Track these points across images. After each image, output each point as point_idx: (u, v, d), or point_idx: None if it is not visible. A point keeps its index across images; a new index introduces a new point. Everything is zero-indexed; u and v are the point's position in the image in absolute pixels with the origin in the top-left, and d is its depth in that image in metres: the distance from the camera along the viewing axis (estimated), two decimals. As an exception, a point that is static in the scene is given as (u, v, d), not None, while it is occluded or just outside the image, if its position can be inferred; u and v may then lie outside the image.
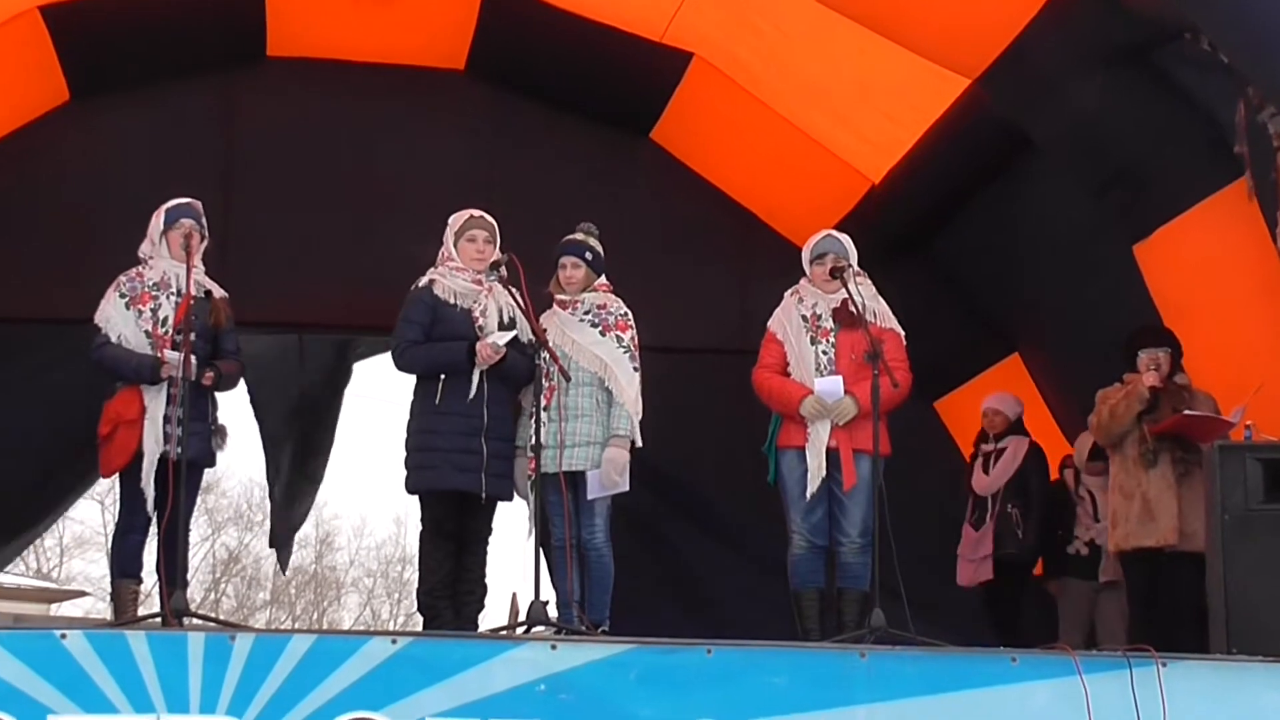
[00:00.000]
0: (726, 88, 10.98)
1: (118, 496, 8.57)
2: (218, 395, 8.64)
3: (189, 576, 9.13)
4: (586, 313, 8.59)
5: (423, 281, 8.52)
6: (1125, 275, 9.64)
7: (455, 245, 8.53)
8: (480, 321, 8.38)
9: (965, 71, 9.76)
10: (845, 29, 9.92)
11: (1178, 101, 9.03)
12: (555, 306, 8.65)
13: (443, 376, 8.31)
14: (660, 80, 11.19)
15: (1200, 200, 9.08)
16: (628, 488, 8.50)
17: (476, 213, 8.58)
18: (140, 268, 8.52)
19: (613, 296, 8.68)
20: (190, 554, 8.70)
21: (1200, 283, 9.35)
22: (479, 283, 8.47)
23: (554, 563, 8.49)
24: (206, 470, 8.77)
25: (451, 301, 8.44)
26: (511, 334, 8.28)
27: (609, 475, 8.39)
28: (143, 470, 8.22)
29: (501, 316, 8.43)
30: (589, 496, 8.42)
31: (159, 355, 8.25)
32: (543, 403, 8.31)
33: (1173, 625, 8.58)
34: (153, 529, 8.38)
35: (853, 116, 10.64)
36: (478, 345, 8.26)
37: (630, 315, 8.64)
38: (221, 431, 8.56)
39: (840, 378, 8.38)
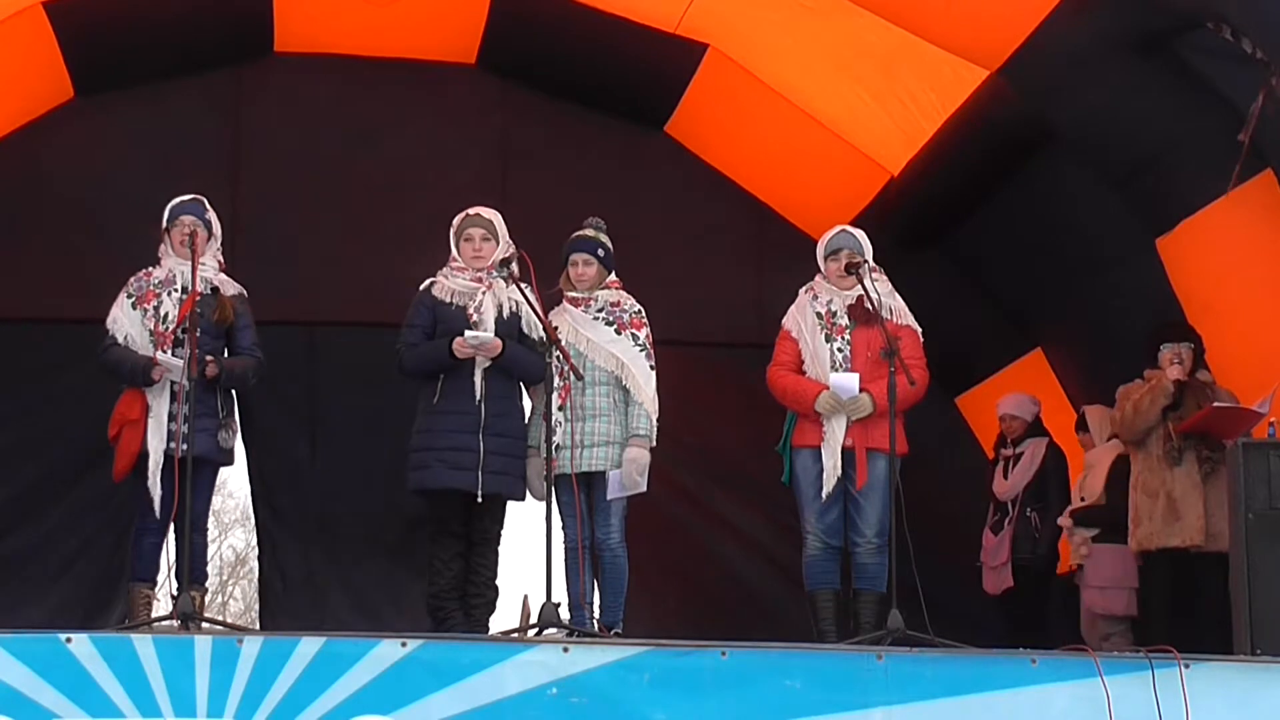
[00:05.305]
0: (742, 79, 10.90)
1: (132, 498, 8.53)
2: (232, 392, 8.57)
3: (209, 576, 9.09)
4: (600, 310, 8.54)
5: (426, 284, 8.51)
6: (1148, 269, 9.58)
7: (455, 245, 8.50)
8: (474, 318, 8.32)
9: (985, 62, 9.68)
10: (862, 19, 9.82)
11: (1200, 92, 8.95)
12: (567, 304, 8.61)
13: (442, 376, 8.27)
14: (675, 73, 11.11)
15: (1224, 193, 8.97)
16: (645, 488, 8.43)
17: (474, 211, 8.54)
18: (152, 267, 8.50)
19: (625, 294, 8.65)
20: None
21: (1224, 277, 9.30)
22: (479, 280, 8.40)
23: (566, 564, 8.40)
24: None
25: (448, 301, 8.42)
26: (487, 335, 8.19)
27: (630, 476, 8.36)
28: (149, 470, 8.16)
29: (502, 313, 8.36)
30: (609, 497, 8.38)
31: (152, 358, 8.18)
32: (557, 402, 8.24)
33: (1198, 626, 8.50)
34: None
35: (872, 104, 10.53)
36: (454, 342, 8.20)
37: (644, 312, 8.61)
38: (230, 425, 8.47)
39: (856, 374, 8.30)
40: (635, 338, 8.51)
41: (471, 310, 8.36)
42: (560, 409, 8.31)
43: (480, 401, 8.25)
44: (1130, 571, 9.71)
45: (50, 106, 10.91)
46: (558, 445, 8.25)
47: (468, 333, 8.23)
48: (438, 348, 8.29)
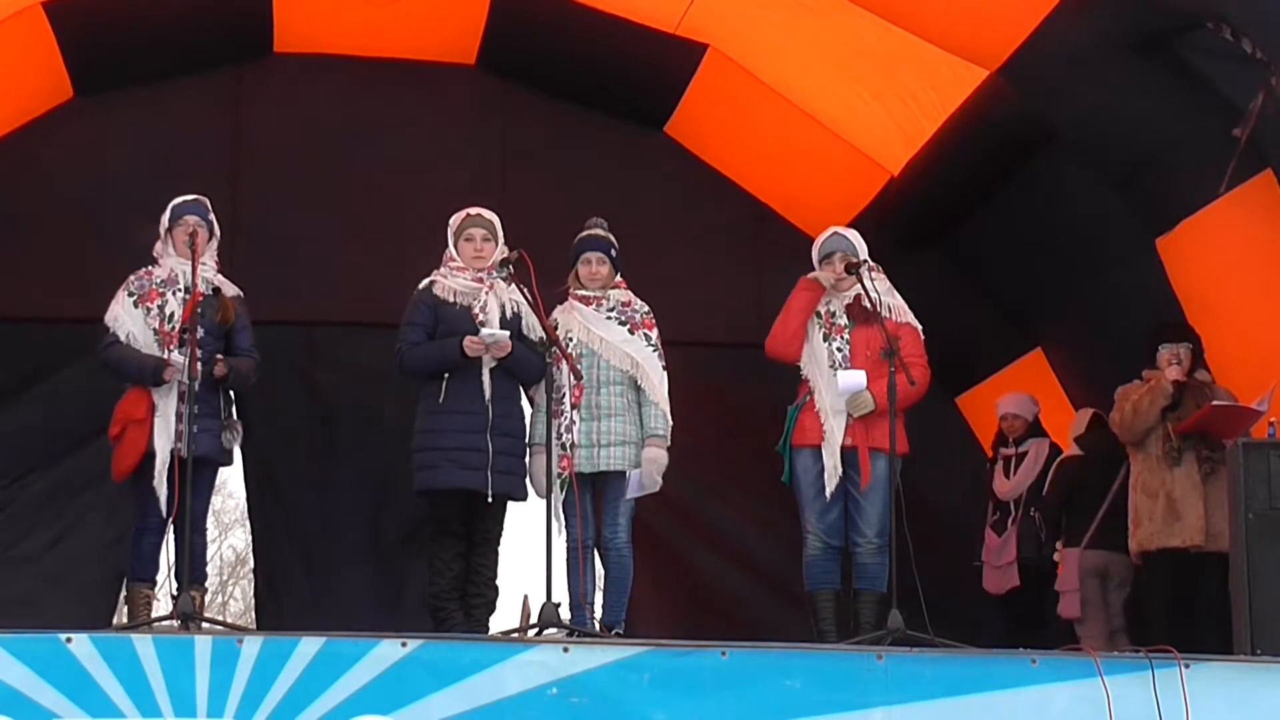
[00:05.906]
0: (742, 80, 10.90)
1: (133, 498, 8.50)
2: (231, 392, 8.55)
3: (209, 576, 9.09)
4: (612, 310, 8.57)
5: (424, 283, 8.50)
6: (1148, 269, 9.57)
7: (455, 245, 8.50)
8: (481, 318, 8.32)
9: (985, 62, 9.67)
10: (862, 19, 9.82)
11: (1200, 92, 8.94)
12: (576, 303, 8.59)
13: (446, 375, 8.26)
14: (675, 73, 11.11)
15: (1224, 193, 8.96)
16: (659, 488, 8.43)
17: (474, 211, 8.55)
18: (151, 266, 8.51)
19: (632, 294, 8.64)
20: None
21: (1224, 277, 9.29)
22: (480, 280, 8.41)
23: (568, 564, 8.40)
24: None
25: (451, 300, 8.42)
26: (503, 333, 8.19)
27: (650, 475, 8.40)
28: (155, 470, 8.17)
29: (504, 313, 8.36)
30: (628, 495, 8.40)
31: (164, 359, 8.19)
32: (571, 401, 8.27)
33: (1198, 626, 8.49)
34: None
35: (872, 104, 10.53)
36: (465, 340, 8.19)
37: (652, 313, 8.60)
38: (234, 426, 8.48)
39: (863, 372, 8.29)
40: (648, 338, 8.54)
41: (476, 310, 8.36)
42: (575, 408, 8.32)
43: (487, 401, 8.25)
44: (1070, 573, 9.81)
45: (50, 106, 10.90)
46: (573, 444, 8.27)
47: (483, 330, 8.22)
48: (445, 347, 8.27)
